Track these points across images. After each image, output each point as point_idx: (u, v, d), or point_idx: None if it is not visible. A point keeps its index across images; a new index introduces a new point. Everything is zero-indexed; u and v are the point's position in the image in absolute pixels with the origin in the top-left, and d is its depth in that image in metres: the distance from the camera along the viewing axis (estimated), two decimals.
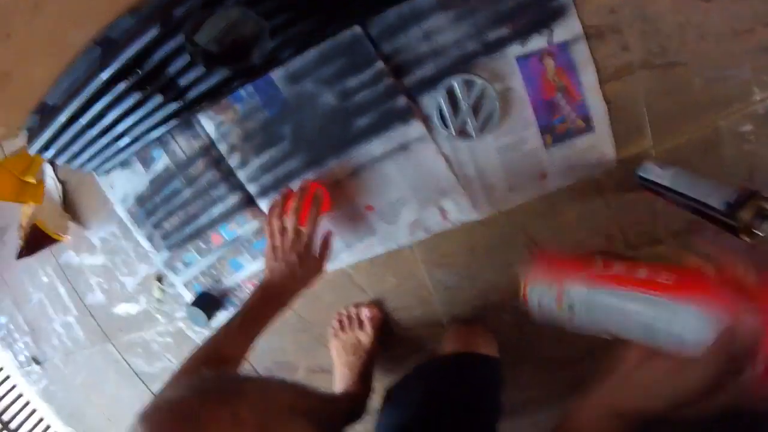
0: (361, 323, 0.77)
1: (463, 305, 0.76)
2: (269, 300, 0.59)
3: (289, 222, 0.59)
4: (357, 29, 0.55)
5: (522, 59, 0.53)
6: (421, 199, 0.64)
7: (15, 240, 0.99)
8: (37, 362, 1.36)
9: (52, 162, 0.90)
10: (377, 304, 0.79)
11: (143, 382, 1.16)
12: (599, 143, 0.57)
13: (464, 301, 0.75)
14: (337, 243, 0.70)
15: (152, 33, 0.53)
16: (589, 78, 0.54)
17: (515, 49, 0.52)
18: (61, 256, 1.04)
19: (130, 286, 0.97)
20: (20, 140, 0.87)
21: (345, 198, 0.66)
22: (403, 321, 0.80)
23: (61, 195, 0.93)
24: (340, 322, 0.79)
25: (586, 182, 0.60)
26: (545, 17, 0.51)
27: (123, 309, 1.03)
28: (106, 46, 0.57)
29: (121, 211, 0.84)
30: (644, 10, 0.51)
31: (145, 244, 0.85)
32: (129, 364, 1.15)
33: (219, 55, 0.50)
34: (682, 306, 0.32)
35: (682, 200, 0.50)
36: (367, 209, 0.67)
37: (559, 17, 0.51)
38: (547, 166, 0.58)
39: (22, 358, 1.39)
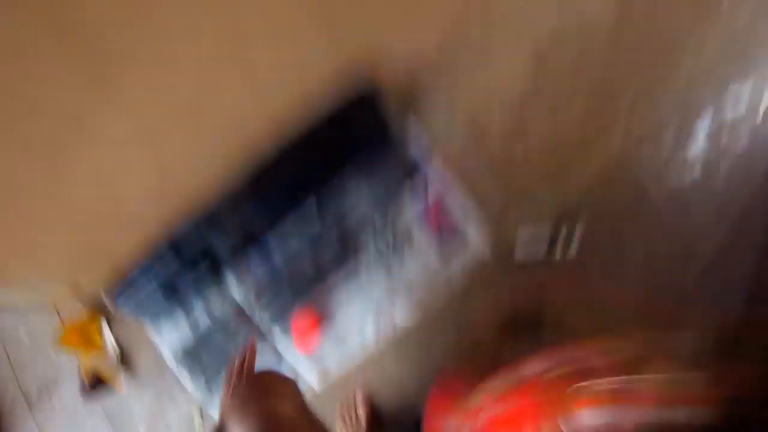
0: (357, 416, 1.01)
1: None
2: None
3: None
4: (313, 204, 0.92)
5: (413, 208, 0.88)
6: (372, 314, 0.94)
7: (70, 389, 1.22)
8: None
9: (109, 321, 1.19)
10: (367, 398, 1.02)
11: None
12: (476, 247, 0.90)
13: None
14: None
15: (201, 233, 0.88)
16: (455, 205, 0.89)
17: (406, 204, 0.88)
18: (107, 402, 1.25)
19: (173, 422, 1.18)
20: (90, 300, 1.17)
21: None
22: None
23: (118, 351, 1.20)
24: (342, 417, 1.02)
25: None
26: (416, 177, 0.89)
27: None
28: (172, 241, 0.92)
29: (168, 358, 1.10)
30: None
31: (187, 384, 1.10)
32: None
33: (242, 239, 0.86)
34: None
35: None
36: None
37: (423, 174, 0.89)
38: (447, 274, 0.90)
39: None
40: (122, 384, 1.21)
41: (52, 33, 0.47)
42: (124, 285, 0.99)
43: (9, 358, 1.32)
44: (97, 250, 0.90)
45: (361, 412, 1.00)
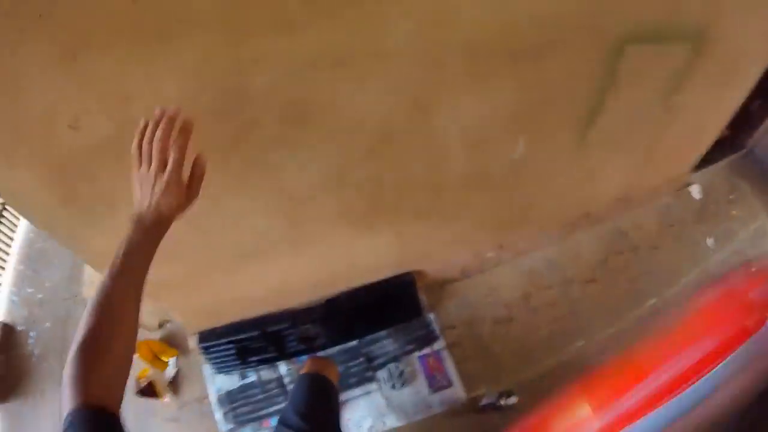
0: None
1: None
2: (144, 233, 0.55)
3: (155, 149, 0.55)
4: (354, 342, 1.38)
5: (421, 357, 1.34)
6: (373, 416, 1.35)
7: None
8: None
9: (181, 352, 1.60)
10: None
11: None
12: (456, 392, 1.33)
13: None
14: None
15: (281, 328, 1.35)
16: (449, 364, 1.34)
17: (417, 353, 1.34)
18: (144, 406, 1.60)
19: None
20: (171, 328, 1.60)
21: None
22: None
23: (174, 375, 1.60)
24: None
25: (450, 411, 1.33)
26: (429, 340, 1.35)
27: None
28: (261, 323, 1.38)
29: (212, 396, 1.50)
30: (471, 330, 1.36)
31: (219, 418, 1.48)
32: None
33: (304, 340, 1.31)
34: None
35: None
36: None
37: (435, 340, 1.35)
38: (431, 403, 1.33)
39: None
40: (166, 401, 1.58)
41: None
42: (212, 334, 1.43)
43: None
44: (212, 308, 1.37)
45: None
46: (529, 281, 1.38)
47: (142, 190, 0.57)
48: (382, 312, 1.33)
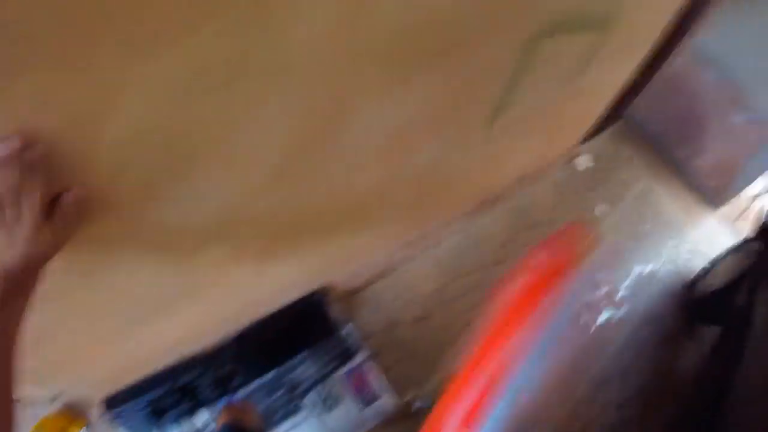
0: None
1: None
2: (14, 287, 0.48)
3: (8, 193, 0.45)
4: (272, 374, 1.31)
5: (345, 374, 1.30)
6: None
7: None
8: None
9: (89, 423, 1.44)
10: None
11: None
12: (387, 402, 1.31)
13: None
14: None
15: (192, 376, 1.25)
16: (375, 374, 1.31)
17: (340, 371, 1.30)
18: None
19: None
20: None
21: None
22: None
23: None
24: None
25: (385, 421, 1.30)
26: (350, 355, 1.32)
27: None
28: (169, 375, 1.27)
29: None
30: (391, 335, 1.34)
31: None
32: None
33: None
34: None
35: None
36: None
37: (356, 353, 1.32)
38: (366, 418, 1.29)
39: None
40: None
41: None
42: (119, 398, 1.30)
43: None
44: (112, 374, 1.24)
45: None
46: (441, 273, 1.40)
47: (1, 238, 0.47)
48: (296, 336, 1.27)
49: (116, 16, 0.44)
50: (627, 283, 1.47)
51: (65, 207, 0.51)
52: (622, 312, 1.43)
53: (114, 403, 1.31)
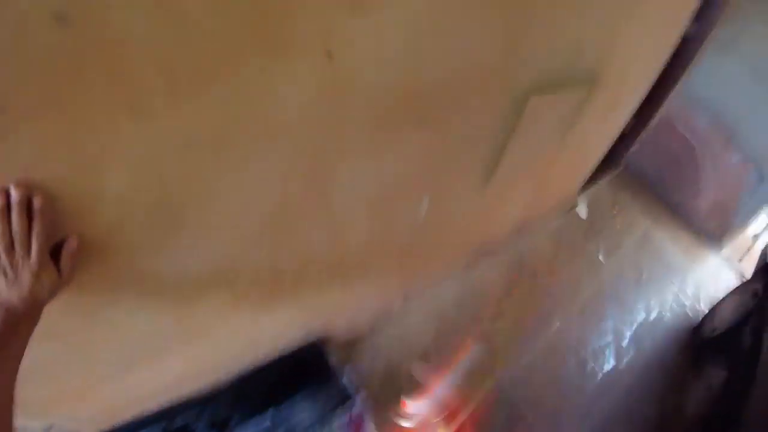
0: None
1: None
2: (16, 324, 0.52)
3: (15, 239, 0.51)
4: (268, 422, 1.30)
5: (342, 421, 1.27)
6: None
7: None
8: None
9: None
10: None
11: None
12: None
13: None
14: None
15: (187, 416, 1.24)
16: (368, 421, 1.28)
17: (337, 419, 1.28)
18: None
19: None
20: None
21: None
22: None
23: None
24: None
25: None
26: (347, 402, 1.30)
27: None
28: (163, 414, 1.26)
29: None
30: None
31: None
32: None
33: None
34: None
35: None
36: None
37: (353, 400, 1.30)
38: None
39: None
40: None
41: None
42: None
43: None
44: (104, 414, 1.24)
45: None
46: (439, 325, 1.40)
47: (7, 279, 0.53)
48: (293, 383, 1.27)
49: (121, 75, 0.51)
50: (633, 328, 1.45)
51: (68, 252, 0.57)
52: (628, 357, 1.39)
53: None
